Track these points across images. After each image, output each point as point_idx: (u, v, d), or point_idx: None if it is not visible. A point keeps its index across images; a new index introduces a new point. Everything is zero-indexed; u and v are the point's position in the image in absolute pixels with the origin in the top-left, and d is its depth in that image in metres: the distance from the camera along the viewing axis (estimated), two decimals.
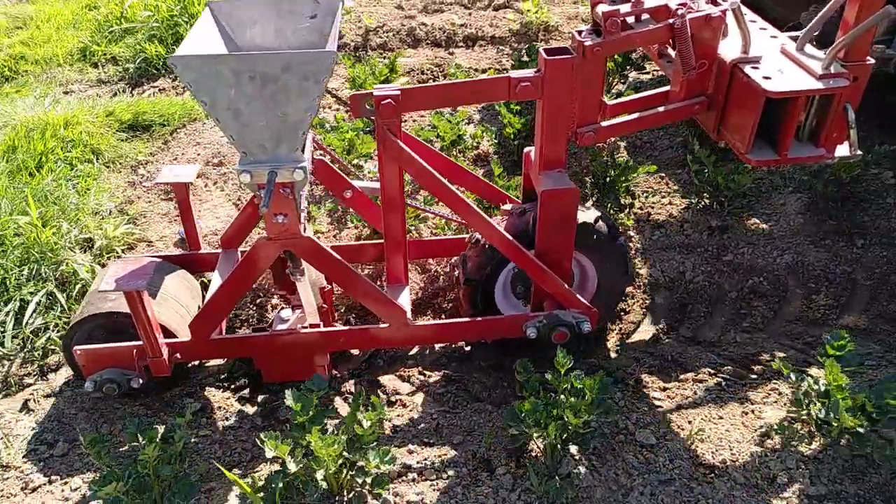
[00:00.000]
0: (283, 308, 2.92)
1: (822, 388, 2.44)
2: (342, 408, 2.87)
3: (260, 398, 2.95)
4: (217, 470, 2.50)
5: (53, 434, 2.77)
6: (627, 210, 3.81)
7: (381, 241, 3.02)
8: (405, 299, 2.96)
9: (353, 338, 2.89)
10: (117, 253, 3.61)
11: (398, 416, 2.84)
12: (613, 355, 3.15)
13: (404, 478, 2.50)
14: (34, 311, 3.22)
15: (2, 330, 3.17)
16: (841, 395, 2.31)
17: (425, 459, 2.58)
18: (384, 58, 5.78)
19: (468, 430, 2.73)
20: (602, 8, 2.48)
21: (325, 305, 2.91)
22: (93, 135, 4.55)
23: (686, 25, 2.42)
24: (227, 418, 2.84)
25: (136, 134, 4.82)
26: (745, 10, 2.93)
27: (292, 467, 2.14)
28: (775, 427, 2.55)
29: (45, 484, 2.56)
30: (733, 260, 3.57)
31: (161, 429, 2.46)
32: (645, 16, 2.57)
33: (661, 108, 2.71)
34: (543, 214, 2.65)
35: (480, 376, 3.06)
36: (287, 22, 2.62)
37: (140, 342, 2.62)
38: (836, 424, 2.37)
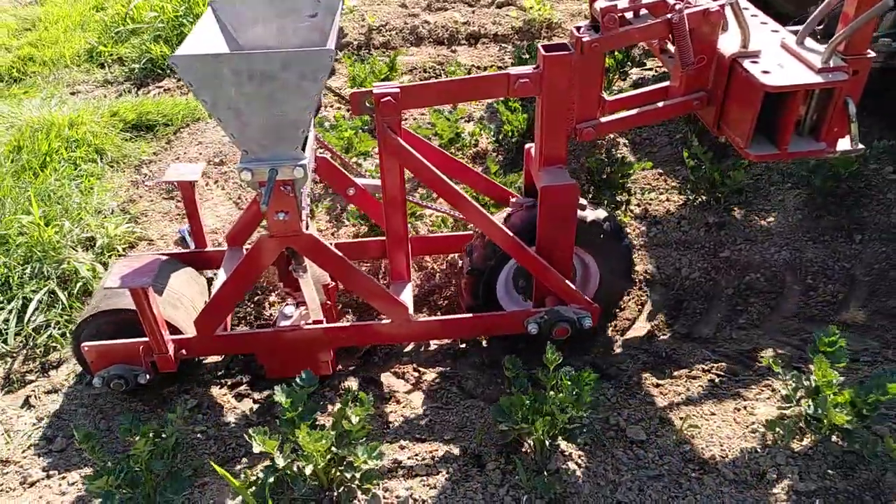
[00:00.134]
0: (286, 304, 2.95)
1: (813, 385, 2.43)
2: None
3: (256, 395, 2.99)
4: (211, 465, 2.54)
5: (53, 430, 2.83)
6: (624, 207, 3.81)
7: (384, 237, 3.05)
8: (407, 296, 2.98)
9: (356, 334, 2.92)
10: (118, 251, 3.66)
11: (392, 412, 2.86)
12: (608, 352, 3.15)
13: (394, 473, 2.53)
14: (36, 309, 3.28)
15: (5, 327, 3.23)
16: (829, 392, 2.31)
17: (416, 455, 2.60)
18: (386, 56, 5.80)
19: (460, 426, 2.75)
20: (600, 4, 2.48)
21: (328, 302, 2.93)
22: (97, 135, 4.60)
23: (684, 21, 2.42)
24: (223, 414, 2.87)
25: (139, 134, 4.88)
26: (745, 3, 2.93)
27: (280, 462, 2.17)
28: (766, 423, 2.55)
29: (43, 478, 2.61)
30: (730, 256, 3.56)
31: (156, 424, 2.50)
32: (643, 11, 2.57)
33: (660, 104, 2.71)
34: (544, 210, 2.67)
35: (475, 373, 3.07)
36: (288, 21, 2.64)
37: (146, 338, 2.66)
38: (825, 421, 2.37)
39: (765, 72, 2.35)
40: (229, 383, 3.05)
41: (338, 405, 2.68)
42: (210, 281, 3.28)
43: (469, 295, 2.97)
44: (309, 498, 2.33)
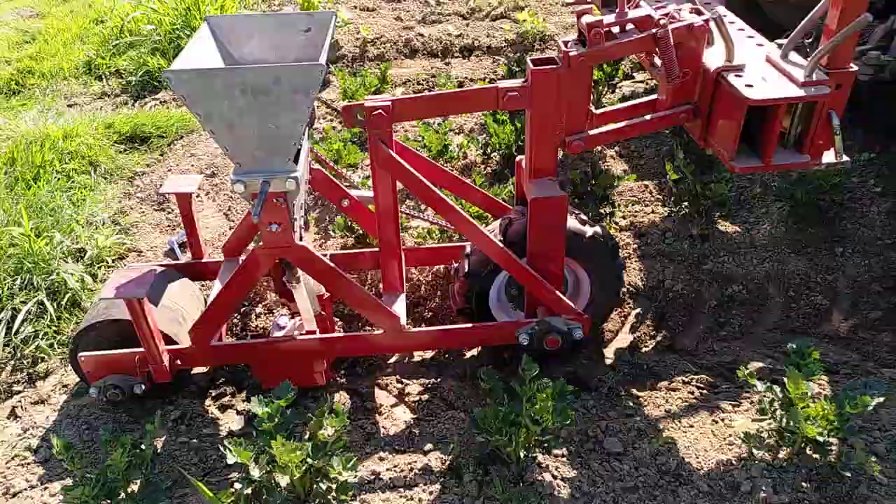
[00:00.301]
0: (280, 315, 2.98)
1: (787, 397, 2.45)
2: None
3: (240, 406, 3.01)
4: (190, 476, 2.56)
5: (37, 440, 2.85)
6: (608, 219, 3.84)
7: (376, 248, 3.08)
8: (400, 307, 3.01)
9: (350, 344, 2.95)
10: (107, 263, 3.70)
11: (373, 423, 2.88)
12: (590, 363, 3.17)
13: (373, 485, 2.55)
14: (24, 320, 3.31)
15: None
16: (801, 405, 2.32)
17: (395, 467, 2.62)
18: (379, 68, 5.85)
19: (440, 437, 2.77)
20: (586, 19, 2.53)
21: (323, 313, 2.96)
22: (91, 147, 4.66)
23: (669, 35, 2.46)
24: (206, 425, 2.90)
25: (133, 145, 4.93)
26: (732, 17, 2.98)
27: (255, 473, 2.19)
28: (743, 436, 2.56)
29: (25, 489, 2.64)
30: (713, 268, 3.58)
31: (138, 436, 2.53)
32: (629, 26, 2.61)
33: (648, 117, 2.76)
34: (533, 221, 2.70)
35: (458, 384, 3.09)
36: (283, 35, 2.69)
37: (142, 349, 2.69)
38: (798, 433, 2.38)
39: (748, 85, 2.39)
40: (213, 394, 3.08)
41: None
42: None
43: (461, 298, 3.00)
44: None
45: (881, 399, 2.31)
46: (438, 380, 3.13)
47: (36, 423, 2.94)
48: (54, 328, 3.33)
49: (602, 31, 2.50)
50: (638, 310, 3.46)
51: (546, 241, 2.75)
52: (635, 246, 3.76)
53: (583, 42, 2.56)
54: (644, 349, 3.27)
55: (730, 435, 2.66)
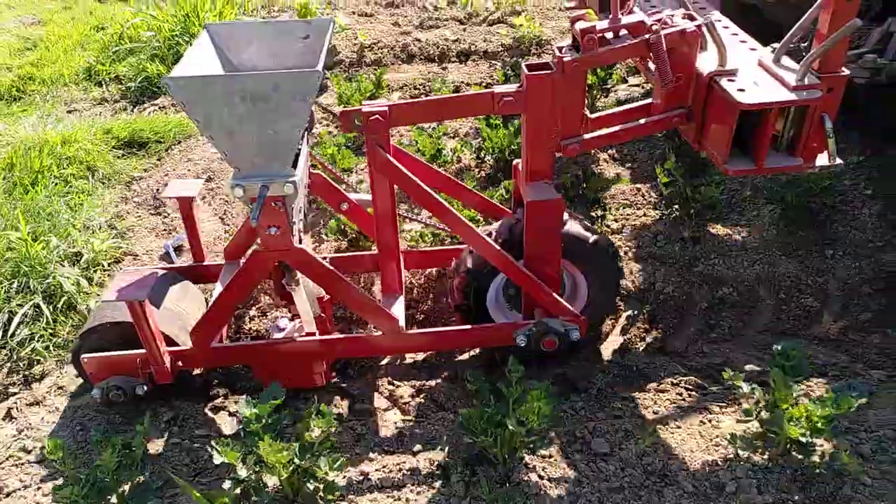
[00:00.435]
0: (280, 317, 3.01)
1: (772, 398, 2.46)
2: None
3: (232, 408, 3.04)
4: (181, 477, 2.59)
5: (32, 441, 2.89)
6: (599, 222, 3.86)
7: (371, 251, 3.11)
8: (399, 309, 3.04)
9: (349, 346, 2.99)
10: (103, 267, 3.73)
11: (362, 424, 2.91)
12: (580, 365, 3.19)
13: (361, 486, 2.57)
14: (21, 323, 3.35)
15: None
16: (784, 406, 2.34)
17: (384, 467, 2.64)
18: (375, 74, 5.89)
19: (429, 438, 2.79)
20: (580, 24, 2.56)
21: (323, 315, 2.99)
22: (89, 152, 4.70)
23: (661, 41, 2.49)
24: (198, 427, 2.92)
25: (131, 151, 4.98)
26: (726, 22, 3.01)
27: (242, 473, 2.22)
28: (728, 437, 2.58)
29: (19, 489, 2.67)
30: (704, 271, 3.60)
31: (130, 437, 2.56)
32: (623, 31, 2.65)
33: (642, 121, 2.79)
34: (530, 224, 2.73)
35: (448, 386, 3.12)
36: (282, 42, 2.73)
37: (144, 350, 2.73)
38: (783, 435, 2.40)
39: (740, 90, 2.42)
40: (207, 396, 3.11)
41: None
42: None
43: (460, 294, 3.02)
44: None
45: (864, 400, 2.33)
46: (429, 381, 3.15)
47: (31, 424, 2.98)
48: (50, 331, 3.36)
49: (595, 36, 2.54)
50: (629, 312, 3.48)
51: (543, 243, 2.78)
52: (627, 248, 3.78)
53: (577, 47, 2.60)
54: (634, 351, 3.29)
55: (717, 436, 2.67)
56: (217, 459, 2.18)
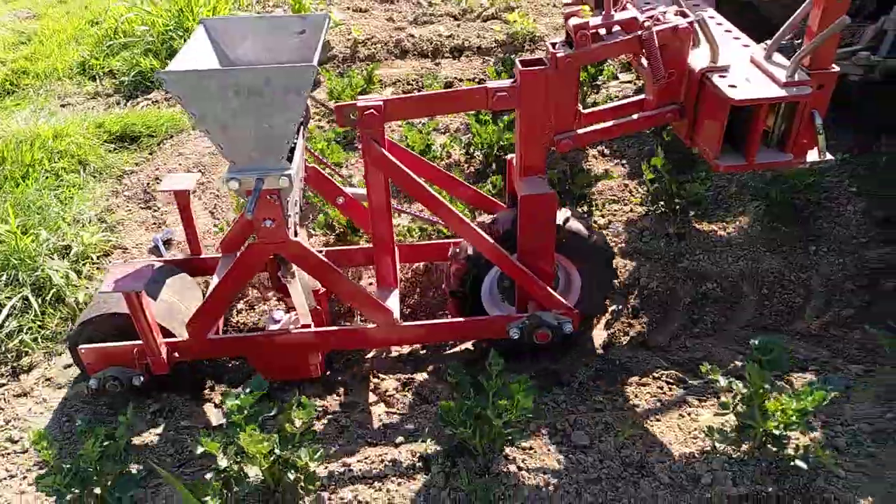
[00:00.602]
0: (275, 309, 3.03)
1: (747, 392, 2.49)
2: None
3: (218, 399, 3.07)
4: (165, 467, 2.62)
5: (18, 431, 2.92)
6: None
7: (363, 245, 3.13)
8: (394, 301, 3.07)
9: (344, 338, 3.02)
10: (92, 259, 3.76)
11: (346, 416, 2.94)
12: (564, 359, 3.21)
13: (343, 476, 2.60)
14: (9, 315, 3.37)
15: None
16: (759, 400, 2.37)
17: (366, 459, 2.67)
18: (366, 69, 5.91)
19: (412, 431, 2.82)
20: (573, 21, 2.59)
21: (318, 307, 3.02)
22: (81, 146, 4.72)
23: (653, 37, 2.51)
24: (183, 418, 2.95)
25: (123, 145, 4.99)
26: (720, 19, 3.03)
27: (223, 463, 2.24)
28: (705, 430, 2.61)
29: (5, 478, 2.70)
30: (688, 266, 3.62)
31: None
32: (616, 28, 2.67)
33: (635, 116, 2.81)
34: (524, 218, 2.76)
35: (433, 379, 3.15)
36: (277, 37, 2.76)
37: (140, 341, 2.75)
38: (758, 428, 2.43)
39: (731, 86, 2.45)
40: (197, 387, 3.13)
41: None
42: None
43: (457, 280, 3.05)
44: (256, 499, 2.40)
45: (837, 394, 2.35)
46: (415, 375, 3.18)
47: (18, 414, 3.01)
48: (38, 323, 3.39)
49: (588, 33, 2.56)
50: (613, 307, 3.51)
51: (536, 237, 2.81)
52: (613, 244, 3.81)
53: (570, 44, 2.62)
54: (617, 345, 3.32)
55: (695, 429, 2.70)
56: (199, 449, 2.21)
